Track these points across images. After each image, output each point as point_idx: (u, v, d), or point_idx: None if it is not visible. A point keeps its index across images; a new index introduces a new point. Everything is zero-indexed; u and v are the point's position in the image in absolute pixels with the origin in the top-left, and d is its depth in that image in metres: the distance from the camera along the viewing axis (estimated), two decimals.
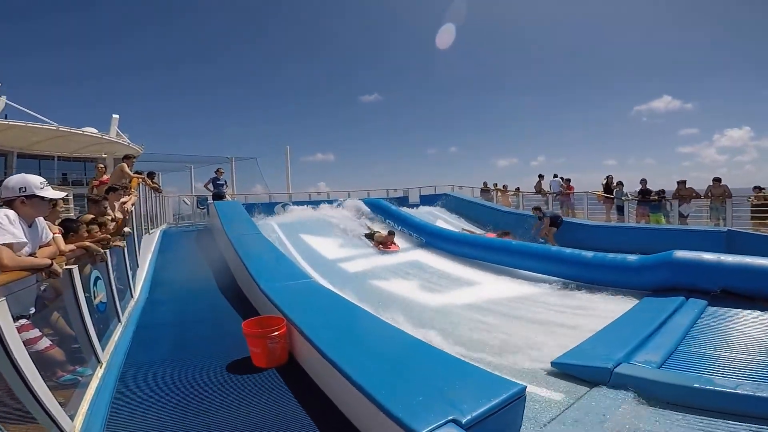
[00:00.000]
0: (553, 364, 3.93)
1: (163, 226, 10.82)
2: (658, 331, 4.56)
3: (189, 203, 13.17)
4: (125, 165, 7.10)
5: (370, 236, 10.62)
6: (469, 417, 2.04)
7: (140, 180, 7.42)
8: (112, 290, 3.95)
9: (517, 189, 14.93)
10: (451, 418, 2.02)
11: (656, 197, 10.63)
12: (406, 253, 10.00)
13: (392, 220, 12.16)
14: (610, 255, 7.03)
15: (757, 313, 4.99)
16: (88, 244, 3.53)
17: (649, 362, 3.69)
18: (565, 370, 3.82)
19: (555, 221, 10.52)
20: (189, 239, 9.57)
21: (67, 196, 8.71)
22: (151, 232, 8.69)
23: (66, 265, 2.85)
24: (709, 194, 10.04)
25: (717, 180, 9.96)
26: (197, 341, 4.01)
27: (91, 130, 13.27)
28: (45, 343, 2.37)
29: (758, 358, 3.80)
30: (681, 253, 6.21)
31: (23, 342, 2.20)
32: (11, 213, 2.36)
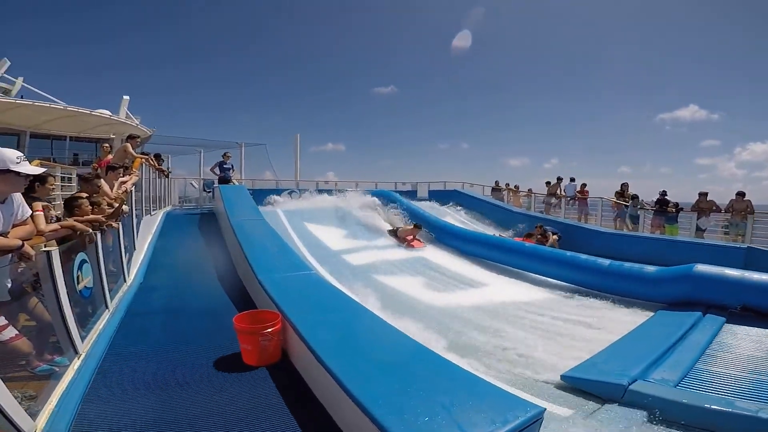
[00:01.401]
0: (563, 377, 3.80)
1: (168, 208, 10.68)
2: (674, 347, 4.41)
3: (197, 186, 13.05)
4: (129, 145, 6.92)
5: (393, 232, 10.32)
6: None
7: (143, 161, 7.23)
8: (101, 275, 3.72)
9: (530, 190, 14.56)
10: None
11: (673, 209, 10.24)
12: (413, 248, 9.72)
13: (402, 212, 11.86)
14: (627, 264, 6.79)
15: None
16: (73, 223, 3.31)
17: (666, 380, 3.56)
18: (575, 385, 3.69)
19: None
20: (192, 222, 9.38)
21: (68, 174, 8.55)
22: (153, 213, 8.51)
23: (47, 246, 2.65)
24: (731, 209, 9.63)
25: (740, 194, 9.54)
26: (187, 333, 3.77)
27: (103, 112, 13.18)
28: (11, 332, 2.16)
29: None
30: (702, 267, 6.00)
31: None
32: None
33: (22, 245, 2.30)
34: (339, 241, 9.39)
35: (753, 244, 8.41)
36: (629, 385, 3.35)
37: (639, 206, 10.86)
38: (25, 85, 12.65)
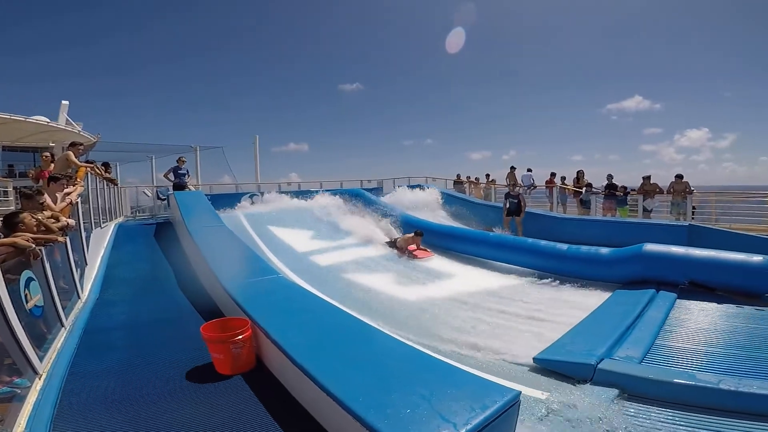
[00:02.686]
0: (535, 360, 3.89)
1: (120, 219, 10.11)
2: (634, 324, 4.58)
3: (150, 195, 12.40)
4: (71, 153, 6.46)
5: (392, 244, 9.37)
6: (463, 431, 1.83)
7: (88, 169, 6.79)
8: (51, 292, 3.47)
9: (491, 181, 14.94)
10: None
11: (621, 192, 10.89)
12: (418, 258, 8.85)
13: (371, 210, 11.70)
14: (584, 247, 7.09)
15: (726, 306, 5.10)
16: (15, 239, 3.07)
17: (631, 357, 3.68)
18: (547, 366, 3.78)
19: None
20: (147, 233, 8.89)
21: (3, 188, 7.90)
22: (103, 225, 8.02)
23: None
24: (672, 190, 10.36)
25: (679, 177, 10.31)
26: (154, 347, 3.60)
27: (39, 118, 12.21)
28: None
29: (735, 352, 3.84)
30: (651, 246, 6.32)
31: None
32: None
33: None
34: (306, 243, 9.23)
35: (694, 222, 9.04)
36: (597, 364, 3.46)
37: (590, 192, 11.47)
38: None
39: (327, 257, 8.42)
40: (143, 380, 2.94)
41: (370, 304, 5.84)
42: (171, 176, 10.55)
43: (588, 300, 5.81)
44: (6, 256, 2.92)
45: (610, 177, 11.27)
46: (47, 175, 5.69)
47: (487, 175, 15.21)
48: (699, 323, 4.65)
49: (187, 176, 10.82)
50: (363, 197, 12.41)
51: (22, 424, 2.24)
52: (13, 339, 2.45)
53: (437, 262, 8.55)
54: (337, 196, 12.46)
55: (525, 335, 4.72)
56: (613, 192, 10.92)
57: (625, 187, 10.95)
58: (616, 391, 3.19)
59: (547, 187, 12.89)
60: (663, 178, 10.81)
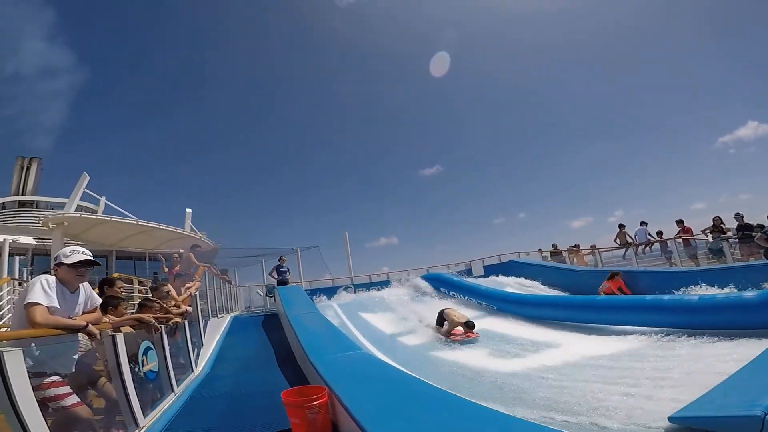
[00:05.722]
0: (671, 419, 3.18)
1: (235, 313, 11.32)
2: None
3: (261, 294, 13.75)
4: (192, 255, 7.72)
5: (440, 323, 8.22)
6: None
7: (205, 268, 7.93)
8: (166, 361, 4.01)
9: (593, 246, 13.65)
10: None
11: (759, 232, 9.08)
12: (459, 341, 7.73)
13: (456, 291, 11.51)
14: (721, 294, 6.17)
15: None
16: (141, 315, 3.73)
17: None
18: (689, 425, 3.06)
19: None
20: (256, 323, 9.91)
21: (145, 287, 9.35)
22: (220, 316, 9.07)
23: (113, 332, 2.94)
24: None
25: None
26: (246, 412, 3.84)
27: (169, 227, 14.52)
28: (72, 399, 2.34)
29: None
30: None
31: (51, 397, 2.23)
32: (51, 278, 2.53)
33: (87, 325, 2.56)
34: (394, 325, 9.29)
35: None
36: (766, 415, 2.66)
37: (720, 238, 9.78)
38: (108, 203, 14.06)
39: (415, 337, 8.34)
40: None
41: (458, 375, 5.50)
42: (274, 274, 11.87)
43: (734, 352, 4.75)
44: (132, 328, 3.50)
45: (739, 217, 9.61)
46: (174, 273, 6.79)
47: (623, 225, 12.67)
48: None
49: (288, 273, 12.07)
50: (446, 280, 12.42)
51: None
52: (124, 392, 2.83)
53: (535, 331, 7.73)
54: (424, 280, 12.73)
55: (655, 399, 3.90)
56: (748, 233, 9.19)
57: (762, 226, 9.17)
58: None
59: (686, 240, 10.95)
60: None
